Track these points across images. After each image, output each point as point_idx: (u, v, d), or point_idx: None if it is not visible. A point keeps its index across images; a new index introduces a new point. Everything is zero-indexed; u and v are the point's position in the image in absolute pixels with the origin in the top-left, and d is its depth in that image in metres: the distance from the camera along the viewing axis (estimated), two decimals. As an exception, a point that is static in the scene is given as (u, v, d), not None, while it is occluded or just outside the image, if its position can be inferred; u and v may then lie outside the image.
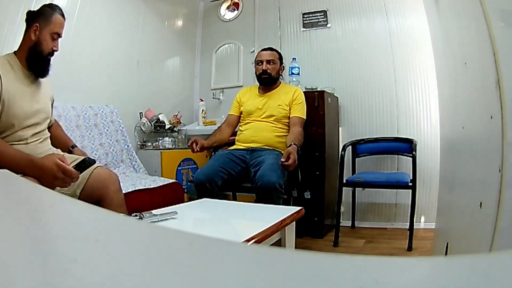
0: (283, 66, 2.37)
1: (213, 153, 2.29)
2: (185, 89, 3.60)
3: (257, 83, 2.36)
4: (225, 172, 1.97)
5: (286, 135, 2.16)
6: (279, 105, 2.21)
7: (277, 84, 2.32)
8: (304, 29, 3.13)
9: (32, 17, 1.45)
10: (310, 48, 3.09)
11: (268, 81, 2.27)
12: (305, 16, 3.12)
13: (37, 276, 0.18)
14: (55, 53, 1.49)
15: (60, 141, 1.66)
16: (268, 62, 2.25)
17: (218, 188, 1.91)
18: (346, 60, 2.89)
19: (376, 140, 2.64)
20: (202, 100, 3.34)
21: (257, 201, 1.85)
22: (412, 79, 2.65)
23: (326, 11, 3.03)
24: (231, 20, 3.54)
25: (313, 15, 3.08)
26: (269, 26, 3.30)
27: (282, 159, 1.82)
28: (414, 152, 2.21)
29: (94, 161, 1.38)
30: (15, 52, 1.44)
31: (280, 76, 2.37)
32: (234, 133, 2.37)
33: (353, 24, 2.94)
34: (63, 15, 1.52)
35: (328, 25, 3.02)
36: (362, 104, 2.79)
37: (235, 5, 3.54)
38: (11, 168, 1.21)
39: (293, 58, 2.90)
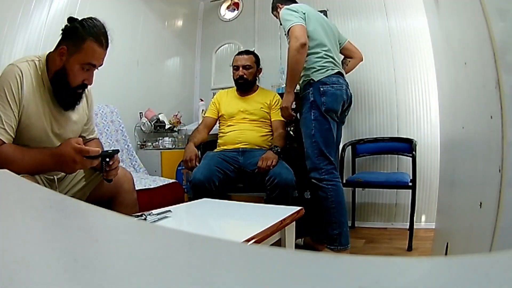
0: (261, 69, 2.35)
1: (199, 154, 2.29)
2: (185, 89, 3.60)
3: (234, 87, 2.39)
4: (220, 172, 1.99)
5: (269, 135, 2.23)
6: (261, 107, 2.24)
7: (254, 88, 2.33)
8: (304, 29, 3.12)
9: (63, 33, 1.22)
10: (310, 48, 3.08)
11: (244, 86, 2.28)
12: (305, 16, 3.11)
13: (37, 276, 0.18)
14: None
15: None
16: (244, 67, 2.25)
17: (216, 188, 1.91)
18: (346, 60, 2.89)
19: (376, 140, 2.64)
20: (202, 100, 3.34)
21: (269, 198, 1.88)
22: (412, 79, 2.65)
23: (326, 11, 3.03)
24: (231, 20, 3.54)
25: (313, 15, 3.08)
26: (269, 26, 3.30)
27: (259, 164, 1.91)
28: (414, 152, 2.21)
29: (117, 151, 1.30)
30: (48, 57, 1.24)
31: (257, 79, 2.37)
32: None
33: (353, 24, 2.93)
34: (101, 42, 1.23)
35: (328, 25, 3.02)
36: (362, 104, 2.79)
37: (235, 5, 3.54)
38: (37, 169, 1.18)
39: (293, 58, 2.90)
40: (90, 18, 1.25)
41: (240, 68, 2.24)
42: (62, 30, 1.22)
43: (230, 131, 2.22)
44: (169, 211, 1.25)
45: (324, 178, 1.82)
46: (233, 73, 2.29)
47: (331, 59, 1.91)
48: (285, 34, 1.93)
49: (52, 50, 1.25)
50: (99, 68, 1.27)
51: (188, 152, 2.07)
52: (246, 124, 2.21)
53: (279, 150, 2.03)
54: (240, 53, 2.34)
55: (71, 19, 1.23)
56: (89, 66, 1.22)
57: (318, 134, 1.82)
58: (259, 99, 2.28)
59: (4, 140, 1.11)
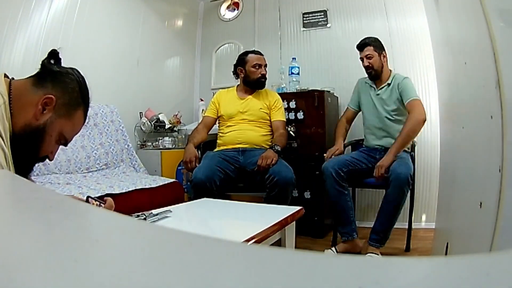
0: None
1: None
2: (185, 89, 3.60)
3: (235, 86, 2.39)
4: (222, 172, 2.00)
5: (269, 134, 2.25)
6: (261, 108, 2.25)
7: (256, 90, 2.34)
8: (304, 29, 3.12)
9: (54, 75, 0.89)
10: (310, 48, 3.09)
11: (263, 84, 2.31)
12: (305, 16, 3.12)
13: (37, 276, 0.18)
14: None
15: None
16: (265, 66, 2.31)
17: (217, 187, 1.92)
18: (346, 60, 2.89)
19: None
20: (202, 100, 3.34)
21: (269, 197, 1.90)
22: (412, 79, 2.64)
23: (326, 11, 3.03)
24: (231, 20, 3.54)
25: (313, 15, 3.08)
26: (269, 26, 3.30)
27: (259, 162, 1.93)
28: (413, 152, 2.21)
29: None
30: (11, 94, 0.84)
31: None
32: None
33: (353, 24, 2.93)
34: (86, 116, 0.97)
35: (328, 25, 3.02)
36: (362, 104, 2.79)
37: (235, 5, 3.54)
38: None
39: (292, 58, 2.90)
40: (79, 73, 0.96)
41: (263, 67, 2.28)
42: (46, 64, 0.90)
43: (230, 131, 2.22)
44: (169, 211, 1.25)
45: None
46: (252, 71, 2.26)
47: None
48: (398, 99, 2.10)
49: (19, 78, 0.89)
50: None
51: (188, 154, 2.07)
52: (245, 125, 2.21)
53: (279, 149, 2.03)
54: (259, 53, 2.36)
55: (55, 55, 0.92)
56: (63, 141, 0.93)
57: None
58: (260, 99, 2.28)
59: None
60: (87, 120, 0.98)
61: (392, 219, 1.93)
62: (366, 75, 2.23)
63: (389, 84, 2.16)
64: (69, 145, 0.98)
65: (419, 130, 2.02)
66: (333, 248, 2.06)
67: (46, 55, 0.91)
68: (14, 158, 0.86)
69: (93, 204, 0.97)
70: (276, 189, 1.87)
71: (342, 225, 2.06)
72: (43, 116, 0.86)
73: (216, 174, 1.95)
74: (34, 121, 0.85)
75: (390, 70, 2.21)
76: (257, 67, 2.27)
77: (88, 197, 0.98)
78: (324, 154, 2.19)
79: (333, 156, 2.12)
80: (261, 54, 2.34)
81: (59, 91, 0.88)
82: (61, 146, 0.94)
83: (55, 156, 0.94)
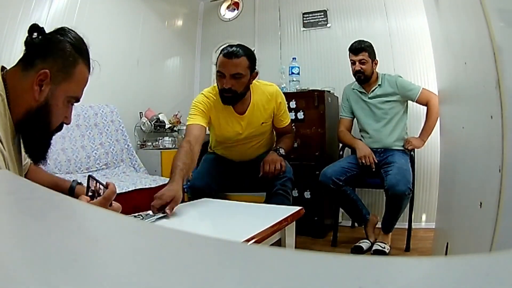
0: (256, 73, 1.69)
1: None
2: (185, 89, 3.60)
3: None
4: (221, 177, 1.81)
5: (270, 137, 1.93)
6: (262, 122, 1.77)
7: (247, 96, 1.71)
8: (304, 29, 3.12)
9: (38, 48, 0.84)
10: (310, 48, 3.09)
11: (232, 101, 1.66)
12: (305, 16, 3.12)
13: (37, 276, 0.18)
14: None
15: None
16: (234, 76, 1.58)
17: (215, 192, 1.78)
18: (346, 60, 2.87)
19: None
20: (202, 100, 3.32)
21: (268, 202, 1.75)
22: (412, 79, 2.65)
23: (326, 11, 3.03)
24: (231, 20, 3.54)
25: (313, 15, 3.08)
26: (269, 26, 3.30)
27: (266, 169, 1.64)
28: (412, 152, 2.21)
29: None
30: (6, 87, 0.83)
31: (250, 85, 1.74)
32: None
33: (353, 24, 2.93)
34: (89, 66, 0.94)
35: (328, 25, 3.02)
36: (362, 104, 2.79)
37: (235, 5, 3.54)
38: None
39: (293, 58, 2.90)
40: (68, 30, 0.91)
41: (228, 78, 1.58)
42: (28, 42, 0.85)
43: (229, 153, 1.90)
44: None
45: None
46: (217, 79, 1.64)
47: None
48: (395, 93, 2.18)
49: (8, 69, 0.87)
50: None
51: (168, 195, 1.33)
52: (245, 145, 1.83)
53: (283, 153, 1.73)
54: (227, 54, 1.57)
55: (36, 29, 0.85)
56: (74, 100, 0.91)
57: None
58: (259, 111, 1.76)
59: None
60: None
61: (395, 218, 2.02)
62: (352, 80, 2.31)
63: (380, 85, 2.21)
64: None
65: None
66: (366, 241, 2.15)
67: (26, 33, 0.87)
68: (28, 140, 0.87)
69: (93, 186, 0.90)
70: (272, 197, 1.68)
71: (354, 216, 2.21)
72: (42, 93, 0.83)
73: (214, 181, 1.75)
74: (34, 102, 0.83)
75: (377, 73, 2.26)
76: (219, 75, 1.61)
77: (89, 176, 0.91)
78: (362, 161, 2.09)
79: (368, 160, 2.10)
80: (238, 57, 1.57)
81: (50, 60, 0.84)
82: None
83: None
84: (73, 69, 0.87)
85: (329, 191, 2.08)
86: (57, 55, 0.85)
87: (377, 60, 2.23)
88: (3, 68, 0.88)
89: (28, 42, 0.85)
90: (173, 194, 1.23)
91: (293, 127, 2.42)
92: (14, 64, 0.88)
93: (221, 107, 1.71)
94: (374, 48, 2.22)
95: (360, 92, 2.27)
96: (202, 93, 1.75)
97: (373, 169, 2.08)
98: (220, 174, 1.82)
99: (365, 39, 2.25)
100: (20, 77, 0.84)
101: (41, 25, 0.86)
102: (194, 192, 1.75)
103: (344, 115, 2.36)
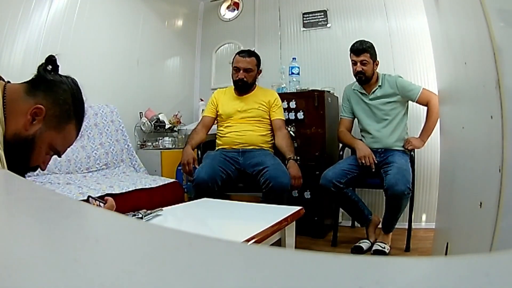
0: (260, 70, 2.30)
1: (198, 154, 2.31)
2: (185, 89, 3.60)
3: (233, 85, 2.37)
4: (223, 172, 2.00)
5: (269, 134, 2.24)
6: (259, 106, 2.22)
7: (253, 87, 2.30)
8: (304, 29, 3.12)
9: (47, 84, 0.86)
10: (310, 48, 3.09)
11: (243, 88, 2.25)
12: (305, 16, 3.12)
13: (37, 276, 0.18)
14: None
15: None
16: (246, 70, 2.20)
17: (218, 188, 1.92)
18: (346, 60, 2.88)
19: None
20: (202, 100, 3.34)
21: (265, 200, 1.91)
22: (412, 79, 2.65)
23: (326, 11, 3.03)
24: (231, 20, 3.54)
25: (313, 15, 3.08)
26: (269, 26, 3.30)
27: (292, 183, 1.95)
28: (412, 153, 2.21)
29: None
30: (4, 101, 0.82)
31: (256, 79, 2.33)
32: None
33: (353, 24, 2.93)
34: (79, 130, 0.96)
35: (328, 25, 3.02)
36: (362, 104, 2.79)
37: (235, 5, 3.54)
38: None
39: (293, 58, 2.90)
40: (76, 84, 0.92)
41: (241, 71, 2.19)
42: (41, 71, 0.87)
43: (229, 132, 2.22)
44: (160, 209, 1.26)
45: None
46: (233, 73, 2.24)
47: None
48: (395, 93, 2.19)
49: (15, 83, 0.88)
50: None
51: (186, 156, 2.08)
52: (244, 124, 2.20)
53: (298, 158, 2.09)
54: (242, 54, 2.25)
55: (53, 62, 0.89)
56: (54, 153, 0.92)
57: None
58: (258, 98, 2.26)
59: None
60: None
61: (395, 217, 2.03)
62: (352, 80, 2.32)
63: (380, 86, 2.21)
64: None
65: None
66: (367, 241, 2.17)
67: (43, 61, 0.88)
68: (7, 158, 0.83)
69: (93, 204, 0.97)
70: (272, 194, 1.88)
71: (356, 217, 2.23)
72: (33, 126, 0.84)
73: (218, 174, 1.96)
74: (24, 131, 0.83)
75: (378, 73, 2.26)
76: (236, 69, 2.22)
77: (89, 196, 0.99)
78: (362, 161, 2.10)
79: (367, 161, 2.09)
80: (250, 56, 2.22)
81: (50, 102, 0.85)
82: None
83: (50, 161, 0.94)
84: (64, 125, 0.89)
85: (330, 194, 2.09)
86: (57, 101, 0.87)
87: (378, 61, 2.23)
88: (1, 78, 0.88)
89: (40, 71, 0.87)
90: (189, 153, 2.09)
91: (292, 128, 2.46)
92: (20, 82, 0.88)
93: (228, 93, 2.33)
94: (375, 49, 2.22)
95: (361, 93, 2.27)
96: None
97: (373, 170, 2.08)
98: (222, 168, 2.01)
99: (365, 39, 2.25)
100: (21, 97, 0.84)
101: (54, 58, 0.89)
102: (198, 185, 1.91)
103: (345, 115, 2.36)
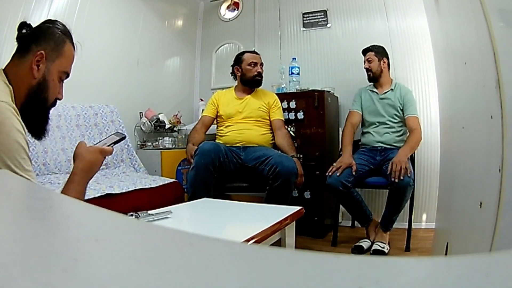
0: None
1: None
2: (185, 89, 3.60)
3: (233, 86, 2.42)
4: (224, 156, 2.06)
5: (269, 133, 2.28)
6: (259, 107, 2.28)
7: (253, 89, 2.36)
8: (304, 29, 3.12)
9: (32, 36, 0.97)
10: (310, 48, 3.09)
11: (260, 83, 2.33)
12: (305, 16, 3.12)
13: (37, 276, 0.18)
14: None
15: None
16: (261, 65, 2.33)
17: (215, 169, 1.98)
18: (346, 60, 2.89)
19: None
20: (202, 100, 3.34)
21: (272, 188, 1.94)
22: (412, 79, 2.65)
23: (326, 11, 3.03)
24: (231, 20, 3.54)
25: (313, 15, 3.08)
26: (269, 26, 3.30)
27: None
28: (413, 153, 2.21)
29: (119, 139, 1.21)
30: (8, 74, 0.93)
31: None
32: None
33: (353, 24, 2.93)
34: (74, 46, 1.06)
35: (328, 25, 3.02)
36: (362, 104, 2.79)
37: (235, 5, 3.54)
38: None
39: (293, 58, 2.90)
40: (53, 20, 1.04)
41: (258, 65, 2.30)
42: (20, 36, 0.98)
43: (230, 131, 2.25)
44: (170, 211, 1.25)
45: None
46: (248, 69, 2.29)
47: None
48: (400, 107, 2.25)
49: (6, 64, 0.97)
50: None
51: (189, 151, 2.15)
52: (244, 124, 2.24)
53: (301, 159, 2.18)
54: (256, 52, 2.40)
55: (25, 25, 1.00)
56: (64, 76, 1.03)
57: None
58: (258, 99, 2.31)
59: None
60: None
61: (396, 211, 2.06)
62: (365, 83, 2.39)
63: (392, 89, 2.28)
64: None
65: (417, 147, 2.20)
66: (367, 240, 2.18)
67: (16, 31, 0.98)
68: (28, 119, 0.93)
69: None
70: (279, 180, 1.91)
71: (358, 217, 2.24)
72: (40, 71, 0.95)
73: (222, 153, 2.02)
74: (33, 80, 0.94)
75: (392, 79, 2.34)
76: (252, 65, 2.30)
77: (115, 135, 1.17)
78: (331, 167, 2.10)
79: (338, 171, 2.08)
80: (257, 54, 2.37)
81: (43, 43, 0.96)
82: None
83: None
84: (62, 48, 1.00)
85: (337, 194, 2.09)
86: (48, 38, 0.98)
87: (385, 59, 2.30)
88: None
89: (19, 37, 0.98)
90: (192, 148, 2.12)
91: (292, 127, 2.46)
92: (10, 59, 0.97)
93: (228, 94, 2.37)
94: (386, 50, 2.33)
95: (372, 91, 2.35)
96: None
97: (354, 172, 2.08)
98: (225, 152, 2.08)
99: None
100: (18, 64, 0.95)
101: (24, 21, 1.00)
102: (200, 153, 1.98)
103: (355, 108, 2.39)
